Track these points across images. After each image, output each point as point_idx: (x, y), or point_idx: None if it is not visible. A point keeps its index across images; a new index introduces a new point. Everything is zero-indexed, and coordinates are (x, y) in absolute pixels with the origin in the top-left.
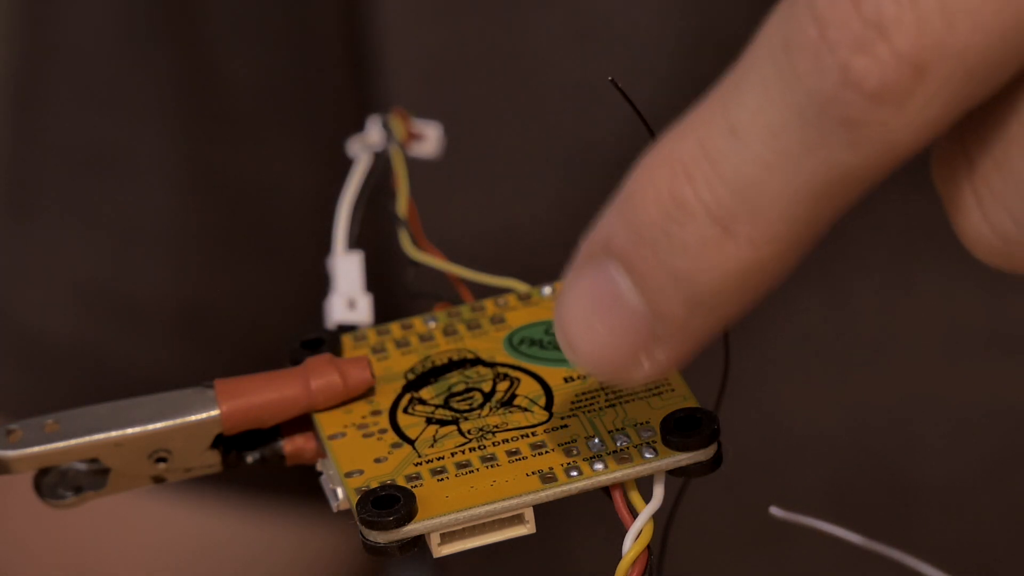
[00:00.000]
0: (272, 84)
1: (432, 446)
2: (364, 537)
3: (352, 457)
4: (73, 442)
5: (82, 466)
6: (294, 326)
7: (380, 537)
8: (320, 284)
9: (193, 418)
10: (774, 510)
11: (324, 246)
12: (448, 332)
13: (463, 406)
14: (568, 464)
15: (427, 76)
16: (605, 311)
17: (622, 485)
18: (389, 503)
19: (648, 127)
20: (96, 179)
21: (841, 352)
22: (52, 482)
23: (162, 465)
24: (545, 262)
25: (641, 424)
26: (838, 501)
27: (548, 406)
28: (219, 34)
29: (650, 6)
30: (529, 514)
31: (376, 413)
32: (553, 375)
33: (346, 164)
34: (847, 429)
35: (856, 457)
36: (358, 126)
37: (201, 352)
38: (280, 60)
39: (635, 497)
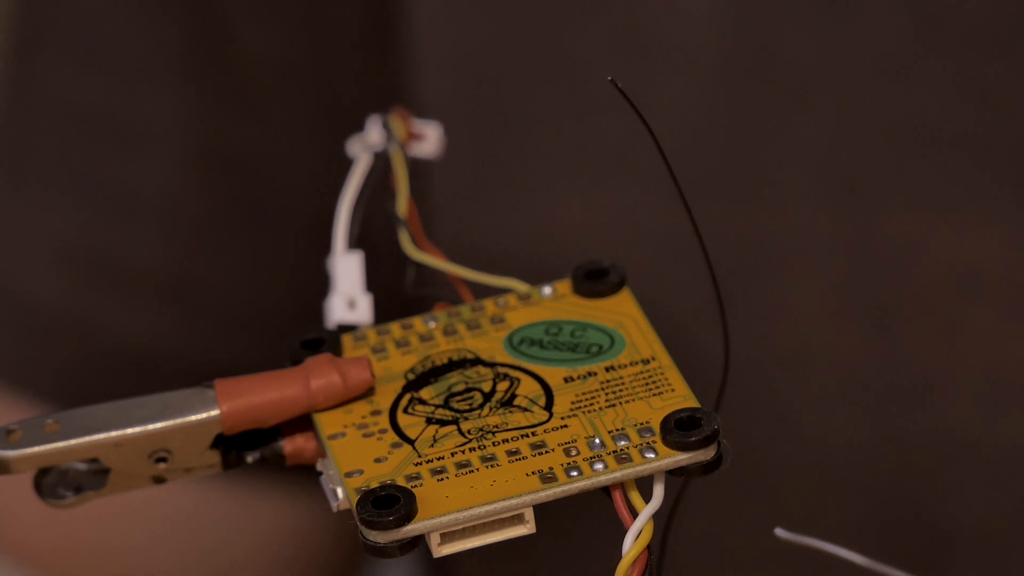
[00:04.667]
0: (287, 62)
1: (432, 446)
2: (364, 537)
3: (352, 457)
4: (73, 442)
5: (82, 466)
6: (294, 326)
7: (380, 537)
8: (320, 284)
9: (193, 418)
10: (779, 532)
11: (325, 243)
12: (448, 332)
13: (463, 406)
14: (568, 464)
15: (440, 68)
16: None
17: (622, 485)
18: (389, 503)
19: (648, 128)
20: (95, 144)
21: (882, 385)
22: (52, 482)
23: (162, 465)
24: (545, 262)
25: (641, 424)
26: (856, 524)
27: (548, 406)
28: (234, 4)
29: (696, 18)
30: (529, 514)
31: (376, 413)
32: (553, 375)
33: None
34: (877, 459)
35: (882, 490)
36: (374, 109)
37: (193, 324)
38: (297, 38)
39: (635, 497)
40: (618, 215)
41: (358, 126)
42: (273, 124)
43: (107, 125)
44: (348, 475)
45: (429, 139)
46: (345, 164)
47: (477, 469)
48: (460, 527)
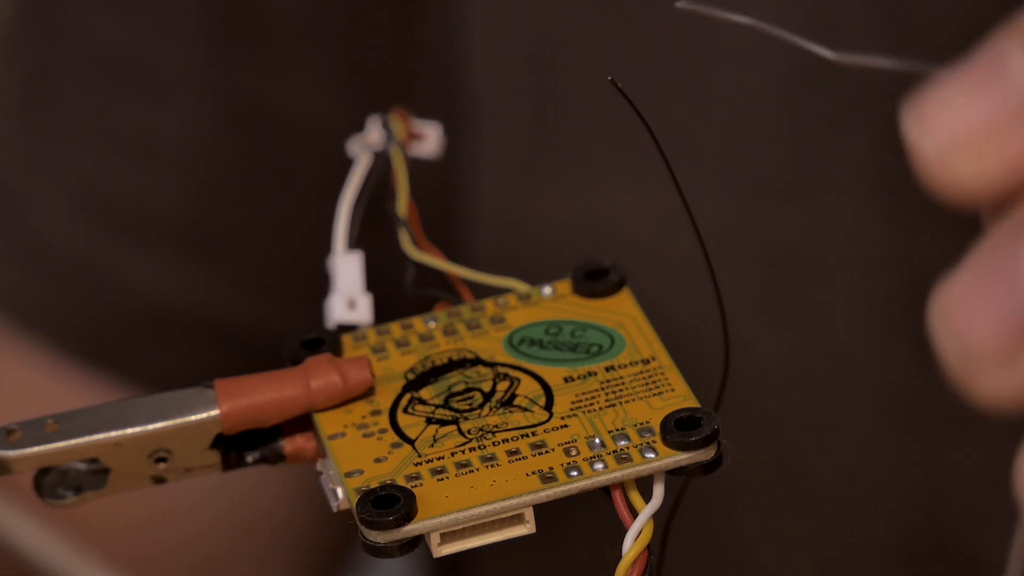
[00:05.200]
0: (314, 17)
1: (432, 446)
2: (364, 537)
3: (352, 457)
4: (73, 442)
5: (82, 466)
6: (307, 281)
7: (380, 537)
8: (320, 284)
9: (193, 418)
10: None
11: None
12: (448, 332)
13: (463, 406)
14: (568, 464)
15: (453, 52)
16: (1002, 284)
17: (622, 485)
18: (389, 503)
19: (649, 129)
20: (118, 90)
21: (885, 387)
22: (52, 482)
23: (162, 465)
24: (545, 262)
25: (641, 424)
26: (856, 525)
27: (548, 406)
28: None
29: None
30: (529, 514)
31: (376, 413)
32: (553, 375)
33: (382, 107)
34: (880, 461)
35: (884, 492)
36: (401, 68)
37: (208, 274)
38: None
39: (635, 497)
40: (619, 215)
41: (384, 86)
42: (298, 79)
43: (131, 71)
44: (348, 475)
45: (429, 139)
46: (358, 118)
47: (477, 469)
48: (460, 527)
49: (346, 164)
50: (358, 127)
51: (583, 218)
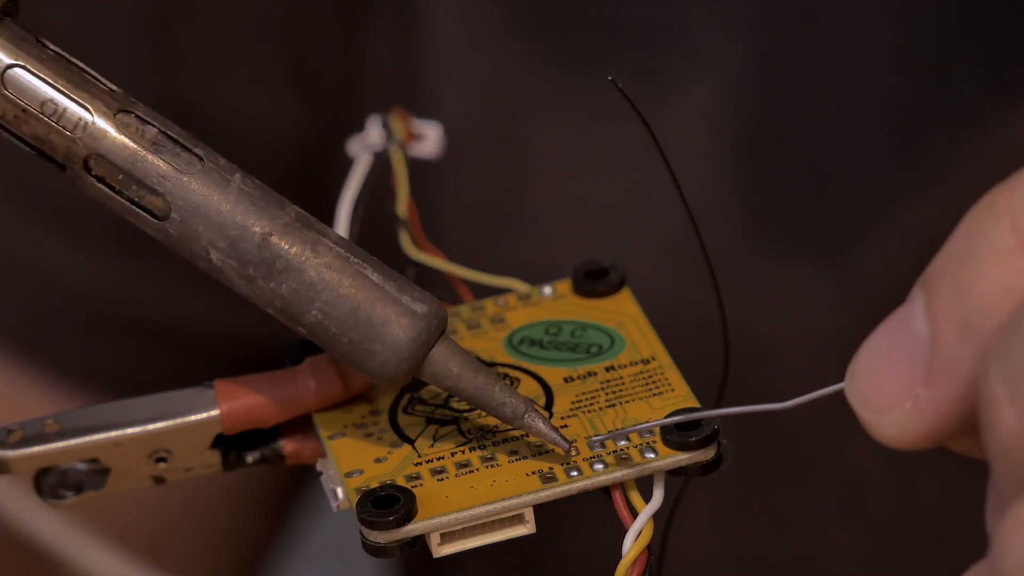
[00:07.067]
0: (257, 23)
1: (432, 446)
2: (364, 537)
3: (352, 457)
4: (73, 442)
5: (82, 466)
6: (234, 326)
7: (380, 537)
8: None
9: (193, 418)
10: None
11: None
12: (448, 332)
13: (463, 406)
14: (568, 464)
15: (432, 47)
16: (892, 337)
17: (622, 485)
18: (389, 503)
19: (649, 130)
20: None
21: None
22: (52, 482)
23: (162, 465)
24: (545, 262)
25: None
26: (853, 525)
27: (548, 406)
28: None
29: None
30: (529, 514)
31: (376, 413)
32: (553, 375)
33: (336, 113)
34: (880, 465)
35: (887, 501)
36: (354, 71)
37: (143, 270)
38: None
39: (635, 497)
40: (618, 215)
41: (337, 80)
42: (243, 82)
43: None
44: (348, 475)
45: (429, 139)
46: (322, 120)
47: (477, 469)
48: (460, 527)
49: (291, 169)
50: (309, 133)
51: (583, 218)
